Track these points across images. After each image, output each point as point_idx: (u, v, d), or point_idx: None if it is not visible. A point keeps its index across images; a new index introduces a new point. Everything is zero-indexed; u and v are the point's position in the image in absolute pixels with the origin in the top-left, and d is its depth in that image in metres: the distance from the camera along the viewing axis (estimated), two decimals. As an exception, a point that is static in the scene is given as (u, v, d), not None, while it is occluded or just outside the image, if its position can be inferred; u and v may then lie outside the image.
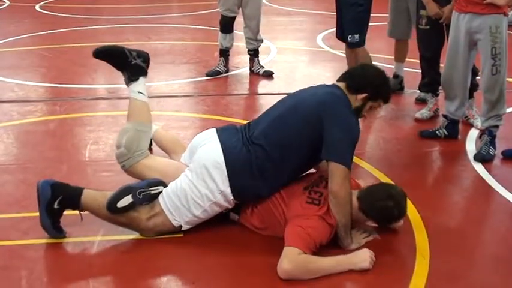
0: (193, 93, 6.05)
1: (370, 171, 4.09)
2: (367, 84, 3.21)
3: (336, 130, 3.06)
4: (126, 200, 3.07)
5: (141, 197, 3.10)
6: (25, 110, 5.39)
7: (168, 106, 5.50)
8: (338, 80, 3.33)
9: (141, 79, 3.53)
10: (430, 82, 5.23)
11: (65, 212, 3.30)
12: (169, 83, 6.19)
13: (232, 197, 3.17)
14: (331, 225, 3.06)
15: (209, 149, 3.19)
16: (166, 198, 3.18)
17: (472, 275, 3.03)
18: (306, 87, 3.44)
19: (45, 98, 5.84)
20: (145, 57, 3.56)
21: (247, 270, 2.98)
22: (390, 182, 3.90)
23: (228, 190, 3.14)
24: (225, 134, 3.27)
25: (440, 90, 5.15)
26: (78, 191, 3.17)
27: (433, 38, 5.05)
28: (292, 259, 2.88)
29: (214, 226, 3.26)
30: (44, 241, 3.19)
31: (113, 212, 3.10)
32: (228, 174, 3.12)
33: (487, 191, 3.94)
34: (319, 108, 3.10)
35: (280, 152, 3.14)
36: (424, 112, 5.25)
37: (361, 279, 2.93)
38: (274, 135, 3.16)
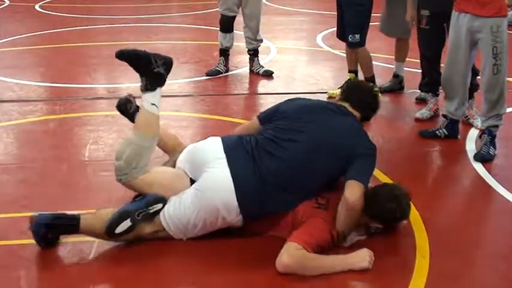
0: (193, 93, 6.05)
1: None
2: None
3: (362, 162, 3.16)
4: (125, 225, 3.01)
5: (139, 218, 3.04)
6: (25, 110, 5.39)
7: (168, 106, 5.49)
8: (352, 105, 3.41)
9: (158, 89, 3.40)
10: (430, 82, 5.22)
11: (64, 211, 3.31)
12: (169, 82, 6.04)
13: (240, 223, 3.18)
14: (333, 236, 3.09)
15: (220, 186, 3.08)
16: (170, 221, 3.13)
17: (472, 275, 3.03)
18: (314, 104, 3.47)
19: (45, 98, 5.84)
20: (168, 64, 3.42)
21: (247, 270, 2.98)
22: (390, 182, 3.90)
23: (237, 219, 3.14)
24: (235, 160, 3.13)
25: (440, 90, 5.15)
26: (74, 225, 3.05)
27: (433, 37, 5.03)
28: (292, 254, 2.89)
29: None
30: (43, 241, 3.18)
31: (113, 237, 3.05)
32: (241, 213, 3.10)
33: (487, 191, 3.94)
34: (350, 149, 3.16)
35: (300, 186, 3.15)
36: (424, 112, 5.24)
37: (361, 279, 2.93)
38: (297, 175, 3.12)
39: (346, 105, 3.42)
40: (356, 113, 3.40)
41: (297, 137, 3.18)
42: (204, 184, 3.13)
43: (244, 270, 2.98)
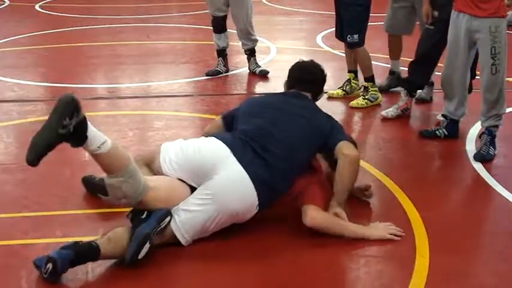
0: (193, 93, 6.05)
1: (370, 171, 4.09)
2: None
3: (335, 129, 3.49)
4: (145, 248, 2.94)
5: (154, 236, 3.00)
6: (25, 110, 5.39)
7: (168, 106, 5.50)
8: (301, 89, 3.71)
9: (89, 131, 3.00)
10: (410, 80, 5.17)
11: (64, 212, 3.30)
12: (169, 82, 6.17)
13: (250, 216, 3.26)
14: (329, 195, 3.38)
15: (238, 186, 3.13)
16: (184, 231, 3.11)
17: (471, 275, 3.04)
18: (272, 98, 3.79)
19: (45, 98, 5.83)
20: (72, 102, 2.95)
21: (252, 266, 3.00)
22: (390, 182, 3.92)
23: (251, 212, 3.21)
24: (244, 156, 3.19)
25: (437, 90, 5.12)
26: (95, 257, 2.91)
27: (432, 39, 4.98)
28: (316, 211, 3.18)
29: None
30: (44, 241, 3.19)
31: (136, 262, 2.96)
32: (258, 205, 3.19)
33: (487, 191, 3.94)
34: (325, 131, 3.44)
35: (298, 162, 3.36)
36: (390, 110, 5.20)
37: (361, 278, 2.94)
38: (296, 156, 3.33)
39: (294, 90, 3.71)
40: (307, 94, 3.68)
41: (286, 129, 3.36)
42: (219, 189, 3.12)
43: (248, 267, 3.00)
